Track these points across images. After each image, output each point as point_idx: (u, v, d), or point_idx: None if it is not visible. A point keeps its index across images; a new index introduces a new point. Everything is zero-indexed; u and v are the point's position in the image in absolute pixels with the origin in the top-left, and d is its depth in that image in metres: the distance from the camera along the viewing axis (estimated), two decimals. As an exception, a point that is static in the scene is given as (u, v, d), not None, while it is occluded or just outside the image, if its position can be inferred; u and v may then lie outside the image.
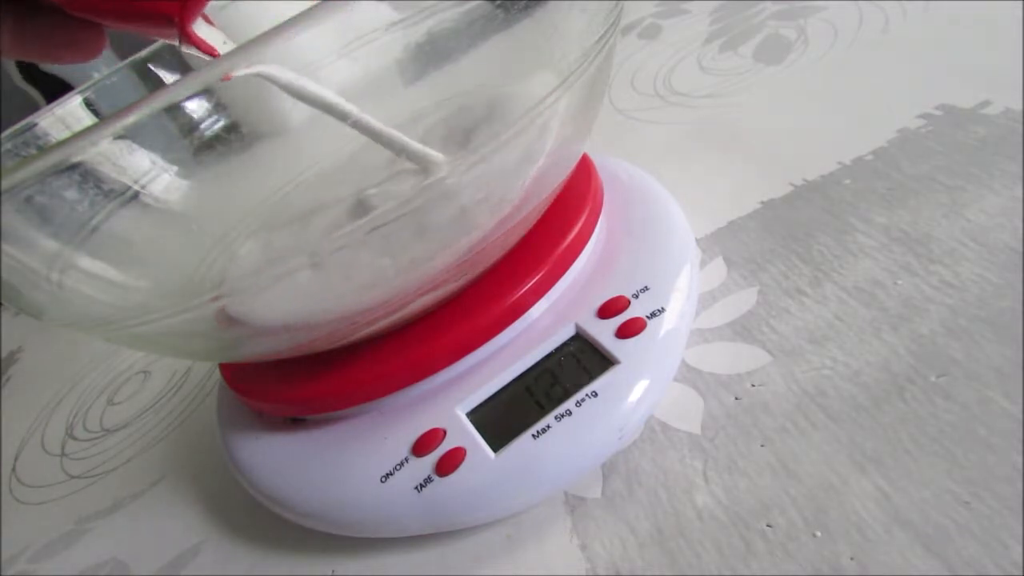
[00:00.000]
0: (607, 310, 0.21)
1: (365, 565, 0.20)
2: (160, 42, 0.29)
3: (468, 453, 0.18)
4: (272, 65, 0.13)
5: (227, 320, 0.18)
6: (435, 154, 0.17)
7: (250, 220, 0.24)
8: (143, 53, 0.29)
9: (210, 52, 0.18)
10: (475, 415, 0.20)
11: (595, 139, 0.35)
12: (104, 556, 0.25)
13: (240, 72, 0.12)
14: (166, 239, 0.23)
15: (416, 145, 0.17)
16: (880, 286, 0.21)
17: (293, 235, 0.21)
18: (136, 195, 0.20)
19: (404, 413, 0.20)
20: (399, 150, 0.17)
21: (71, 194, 0.16)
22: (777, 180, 0.27)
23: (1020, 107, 0.25)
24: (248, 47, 0.12)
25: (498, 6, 0.16)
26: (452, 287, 0.19)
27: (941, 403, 0.17)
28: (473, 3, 0.16)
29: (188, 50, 0.17)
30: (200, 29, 0.17)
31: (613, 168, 0.27)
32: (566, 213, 0.22)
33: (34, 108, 0.31)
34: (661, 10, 0.48)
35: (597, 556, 0.18)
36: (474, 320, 0.20)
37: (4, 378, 0.44)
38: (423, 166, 0.17)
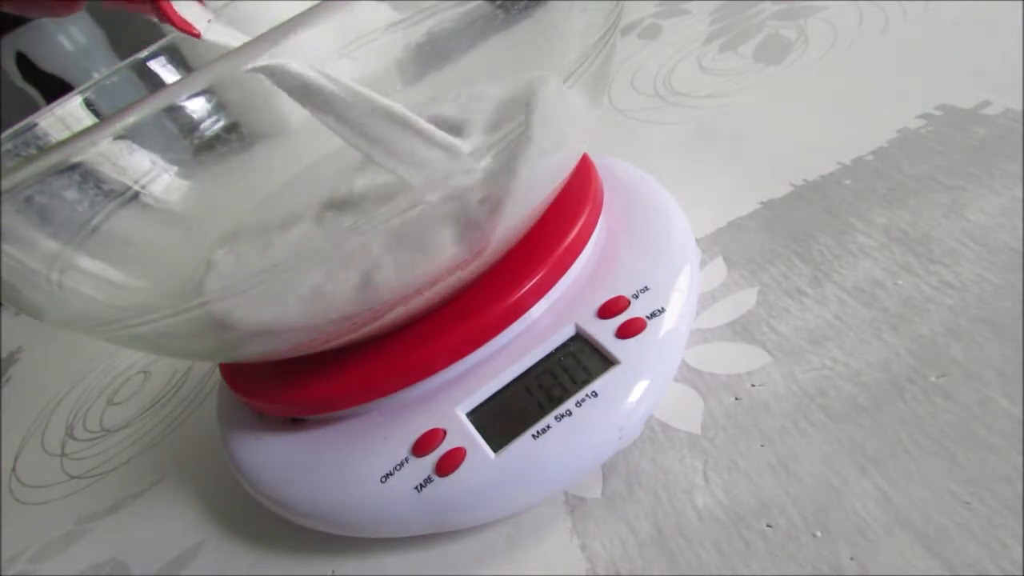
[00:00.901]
0: (607, 310, 0.21)
1: (365, 565, 0.20)
2: (160, 42, 0.29)
3: (468, 453, 0.18)
4: (282, 59, 0.13)
5: (218, 322, 0.18)
6: (457, 144, 0.16)
7: (230, 224, 0.24)
8: (143, 53, 0.29)
9: (187, 30, 0.17)
10: (475, 415, 0.20)
11: (595, 139, 0.35)
12: (104, 556, 0.25)
13: (251, 66, 0.12)
14: (166, 239, 0.23)
15: (440, 136, 0.16)
16: (880, 286, 0.21)
17: (260, 248, 0.20)
18: (136, 195, 0.20)
19: (404, 413, 0.20)
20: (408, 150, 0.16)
21: (71, 194, 0.16)
22: (777, 180, 0.27)
23: (1020, 107, 0.25)
24: (246, 48, 0.12)
25: (498, 6, 0.16)
26: (449, 286, 0.19)
27: (941, 403, 0.17)
28: (473, 3, 0.16)
29: (164, 23, 0.17)
30: (183, 6, 0.17)
31: (613, 168, 0.27)
32: (566, 213, 0.22)
33: (34, 108, 0.30)
34: (661, 10, 0.48)
35: (597, 556, 0.18)
36: (474, 320, 0.20)
37: (4, 378, 0.44)
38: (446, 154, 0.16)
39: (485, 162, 0.16)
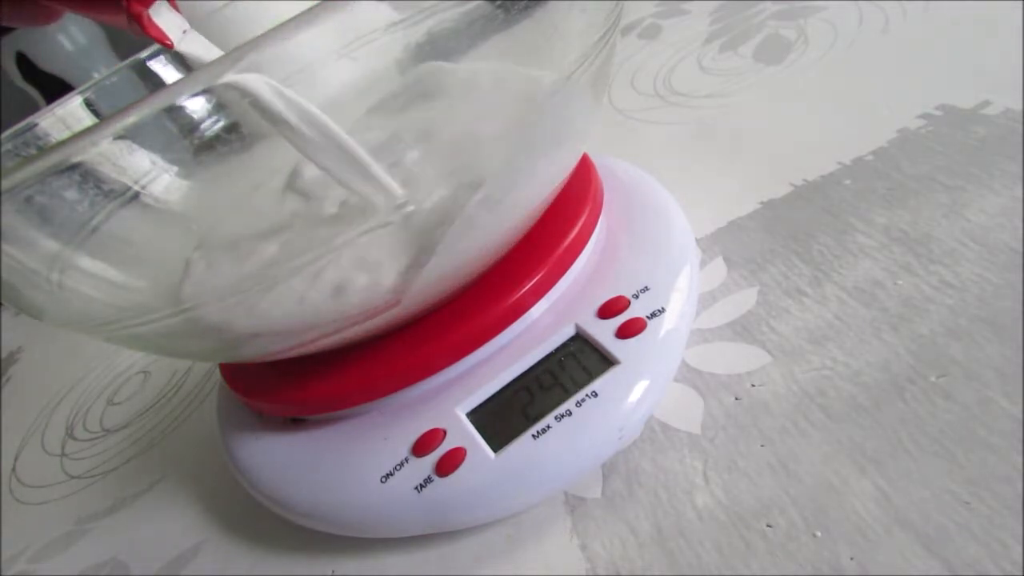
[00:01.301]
0: (607, 310, 0.21)
1: (365, 565, 0.20)
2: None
3: (468, 453, 0.18)
4: (251, 76, 0.12)
5: (213, 324, 0.17)
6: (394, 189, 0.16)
7: (229, 224, 0.24)
8: (143, 53, 0.29)
9: (160, 40, 0.17)
10: (475, 415, 0.20)
11: (595, 139, 0.35)
12: (104, 556, 0.25)
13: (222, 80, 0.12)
14: (166, 239, 0.22)
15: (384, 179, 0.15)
16: (880, 286, 0.21)
17: (234, 259, 0.20)
18: (136, 195, 0.20)
19: (404, 413, 0.20)
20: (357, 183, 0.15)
21: (71, 194, 0.16)
22: (777, 180, 0.27)
23: (1020, 107, 0.25)
24: (243, 48, 0.12)
25: (498, 6, 0.16)
26: (448, 287, 0.19)
27: (941, 403, 0.17)
28: (473, 3, 0.16)
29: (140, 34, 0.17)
30: (160, 15, 0.17)
31: (613, 168, 0.27)
32: (566, 213, 0.22)
33: (34, 108, 0.31)
34: (661, 10, 0.48)
35: (597, 556, 0.18)
36: (474, 320, 0.20)
37: (4, 378, 0.44)
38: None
39: (409, 209, 0.16)
